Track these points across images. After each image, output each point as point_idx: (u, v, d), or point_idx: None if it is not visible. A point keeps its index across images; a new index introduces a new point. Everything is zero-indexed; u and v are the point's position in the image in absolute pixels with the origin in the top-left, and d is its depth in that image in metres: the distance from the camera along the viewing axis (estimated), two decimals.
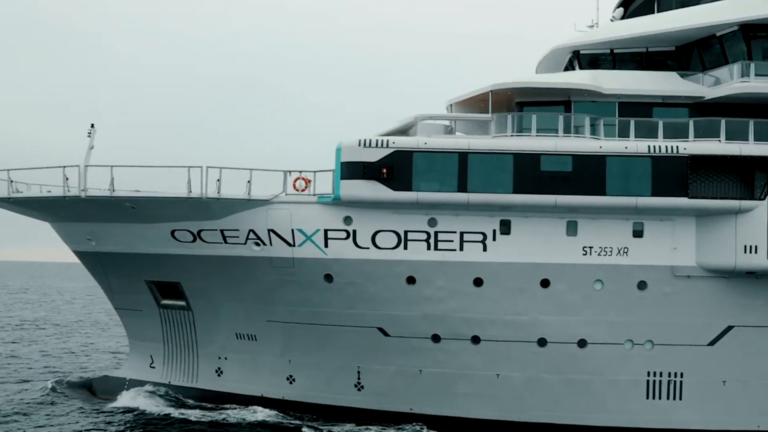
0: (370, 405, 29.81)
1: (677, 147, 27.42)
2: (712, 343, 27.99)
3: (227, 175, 28.81)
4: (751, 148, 27.56)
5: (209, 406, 31.42)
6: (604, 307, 27.99)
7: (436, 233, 28.17)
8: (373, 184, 27.76)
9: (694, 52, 30.18)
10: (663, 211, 27.58)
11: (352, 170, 27.89)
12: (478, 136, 29.98)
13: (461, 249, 28.10)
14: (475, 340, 28.38)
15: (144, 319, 33.25)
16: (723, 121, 28.21)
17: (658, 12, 31.57)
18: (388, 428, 28.88)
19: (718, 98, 28.93)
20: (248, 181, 28.56)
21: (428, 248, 28.17)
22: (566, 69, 32.89)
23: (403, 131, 29.86)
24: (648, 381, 28.19)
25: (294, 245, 28.54)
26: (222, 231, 29.07)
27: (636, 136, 28.57)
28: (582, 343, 28.13)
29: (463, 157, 27.67)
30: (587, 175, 27.35)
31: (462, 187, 27.58)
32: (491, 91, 29.29)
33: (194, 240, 29.54)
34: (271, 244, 28.72)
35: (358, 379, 29.75)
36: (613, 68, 31.09)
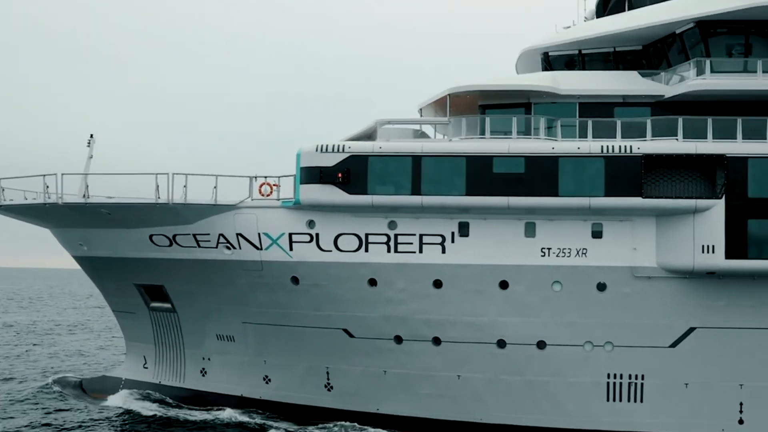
0: (340, 405, 30.37)
1: (631, 147, 27.09)
2: (674, 345, 27.52)
3: (208, 182, 30.03)
4: (707, 146, 27.00)
5: (195, 407, 32.46)
6: (563, 309, 27.85)
7: (395, 236, 28.58)
8: (329, 188, 28.38)
9: (660, 51, 29.80)
10: (618, 211, 27.32)
11: (310, 175, 28.58)
12: (443, 139, 30.28)
13: (420, 251, 28.43)
14: (436, 341, 28.64)
15: (137, 321, 34.68)
16: (680, 120, 27.79)
17: (628, 11, 31.22)
18: (354, 429, 29.43)
19: (676, 96, 28.50)
20: (214, 187, 29.58)
21: (388, 251, 28.60)
22: (544, 70, 32.82)
23: (368, 136, 30.39)
24: (608, 383, 27.89)
25: (261, 248, 29.40)
26: (195, 235, 30.16)
27: (595, 137, 28.34)
28: (541, 345, 28.05)
29: (417, 160, 28.01)
30: (540, 176, 27.30)
31: (416, 190, 27.91)
32: (449, 94, 29.57)
33: (171, 244, 30.74)
34: (240, 248, 29.67)
35: (328, 379, 30.39)
36: (583, 69, 30.99)
